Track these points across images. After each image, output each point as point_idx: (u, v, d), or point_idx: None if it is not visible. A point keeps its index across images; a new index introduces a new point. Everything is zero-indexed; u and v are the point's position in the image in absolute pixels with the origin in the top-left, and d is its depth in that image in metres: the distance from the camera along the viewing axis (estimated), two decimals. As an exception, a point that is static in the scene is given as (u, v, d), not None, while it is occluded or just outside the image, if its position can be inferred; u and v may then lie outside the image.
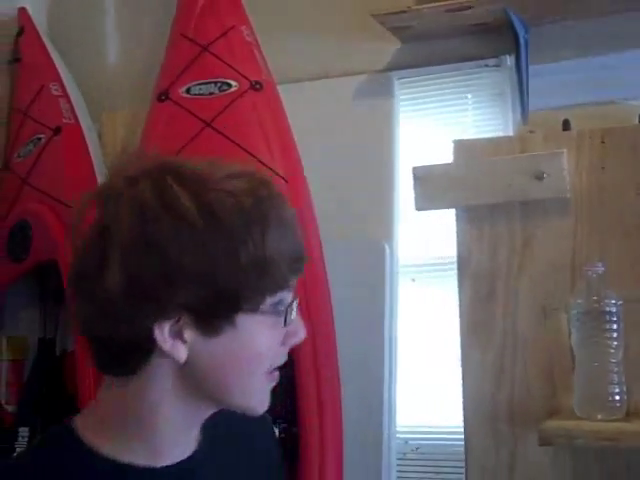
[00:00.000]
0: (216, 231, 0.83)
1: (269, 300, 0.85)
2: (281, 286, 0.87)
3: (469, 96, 2.64)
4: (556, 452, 1.32)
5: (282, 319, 0.88)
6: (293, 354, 2.32)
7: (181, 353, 0.82)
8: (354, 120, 2.62)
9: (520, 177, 1.37)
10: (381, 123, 2.60)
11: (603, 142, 1.36)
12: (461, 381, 1.40)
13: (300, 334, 0.92)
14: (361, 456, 2.29)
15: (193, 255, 0.82)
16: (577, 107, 2.47)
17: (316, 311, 2.35)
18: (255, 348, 0.88)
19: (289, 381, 2.36)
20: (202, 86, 2.52)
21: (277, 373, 0.94)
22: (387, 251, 2.47)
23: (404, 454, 2.55)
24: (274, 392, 2.40)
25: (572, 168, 1.36)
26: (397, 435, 2.47)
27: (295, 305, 0.90)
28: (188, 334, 0.83)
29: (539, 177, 1.35)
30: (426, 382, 2.49)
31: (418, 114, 2.64)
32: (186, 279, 0.82)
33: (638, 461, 1.27)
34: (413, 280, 2.59)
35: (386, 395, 2.38)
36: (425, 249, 2.56)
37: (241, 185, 0.87)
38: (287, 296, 0.88)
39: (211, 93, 2.51)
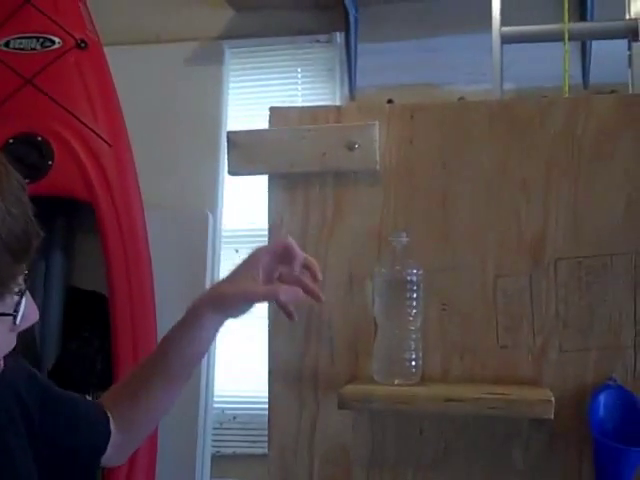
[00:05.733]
0: None
1: None
2: (5, 288, 0.81)
3: (299, 70, 2.67)
4: (356, 418, 1.35)
5: (11, 318, 0.83)
6: (112, 326, 2.28)
7: None
8: (183, 86, 2.59)
9: (333, 147, 1.38)
10: (210, 91, 2.59)
11: (412, 117, 1.40)
12: (268, 348, 1.40)
13: (32, 317, 0.87)
14: (176, 426, 2.28)
15: None
16: (402, 87, 2.55)
17: (136, 282, 2.31)
18: None
19: (105, 353, 2.31)
20: (23, 40, 2.40)
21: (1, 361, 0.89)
22: (210, 219, 2.46)
23: (221, 423, 2.57)
24: (92, 365, 2.30)
25: (383, 141, 1.39)
26: (214, 405, 2.48)
27: (26, 293, 0.85)
28: None
29: (351, 148, 1.37)
30: (244, 353, 2.50)
31: (249, 84, 2.65)
32: None
33: (430, 424, 1.32)
34: (237, 251, 2.60)
35: (204, 365, 2.38)
36: (249, 220, 2.57)
37: None
38: (15, 290, 0.82)
39: (33, 49, 2.40)
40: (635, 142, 1.32)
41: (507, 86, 2.21)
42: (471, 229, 1.36)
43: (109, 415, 1.15)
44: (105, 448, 1.14)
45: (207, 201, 2.49)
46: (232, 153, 1.43)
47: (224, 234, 2.54)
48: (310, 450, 1.36)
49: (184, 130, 2.54)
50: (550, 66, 2.20)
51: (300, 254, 1.22)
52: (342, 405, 1.25)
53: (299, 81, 2.64)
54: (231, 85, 2.61)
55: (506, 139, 1.36)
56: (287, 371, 1.39)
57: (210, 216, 2.44)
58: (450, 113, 1.40)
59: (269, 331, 1.41)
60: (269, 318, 1.41)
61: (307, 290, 1.20)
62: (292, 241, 1.22)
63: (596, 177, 1.32)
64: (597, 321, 1.29)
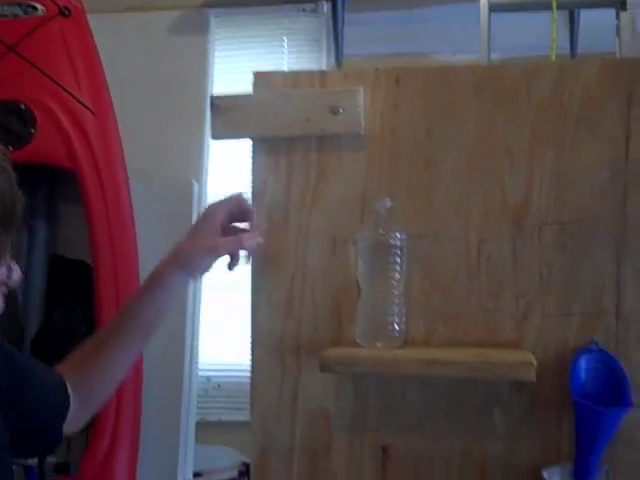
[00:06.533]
0: None
1: None
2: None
3: (285, 39, 2.65)
4: (339, 381, 1.35)
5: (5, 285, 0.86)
6: (95, 295, 2.26)
7: None
8: (167, 55, 2.56)
9: (317, 111, 1.37)
10: (195, 60, 2.56)
11: (397, 82, 1.39)
12: (250, 312, 1.40)
13: (15, 277, 0.89)
14: (161, 394, 2.28)
15: None
16: (389, 57, 2.54)
17: (120, 251, 2.30)
18: None
19: (89, 323, 2.30)
20: (5, 7, 2.37)
21: None
22: (195, 188, 2.44)
23: (206, 391, 2.58)
24: (75, 334, 2.30)
25: (367, 106, 1.38)
26: (199, 373, 2.48)
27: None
28: None
29: (335, 112, 1.36)
30: (229, 321, 2.51)
31: (234, 53, 2.63)
32: None
33: (412, 387, 1.32)
34: (221, 219, 2.58)
35: (188, 333, 2.37)
36: (235, 188, 2.53)
37: None
38: (7, 257, 0.84)
39: (15, 15, 2.37)
40: (621, 108, 1.31)
41: (494, 56, 2.21)
42: (455, 195, 1.36)
43: (66, 381, 1.14)
44: (67, 414, 1.13)
45: (192, 170, 2.48)
46: (216, 117, 1.42)
47: (208, 201, 2.53)
48: (292, 414, 1.36)
49: (169, 99, 2.52)
50: (538, 36, 2.20)
51: (252, 210, 1.27)
52: (324, 368, 1.25)
53: (285, 50, 2.62)
54: (216, 54, 2.59)
55: (491, 105, 1.36)
56: (269, 335, 1.38)
57: (195, 184, 2.43)
58: (435, 78, 1.39)
59: (252, 295, 1.40)
60: (252, 285, 1.41)
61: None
62: (246, 199, 1.27)
63: (581, 143, 1.32)
64: (580, 286, 1.29)
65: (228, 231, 1.25)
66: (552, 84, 1.34)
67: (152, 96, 2.53)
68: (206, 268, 1.21)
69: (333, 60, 2.55)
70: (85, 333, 2.29)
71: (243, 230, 1.27)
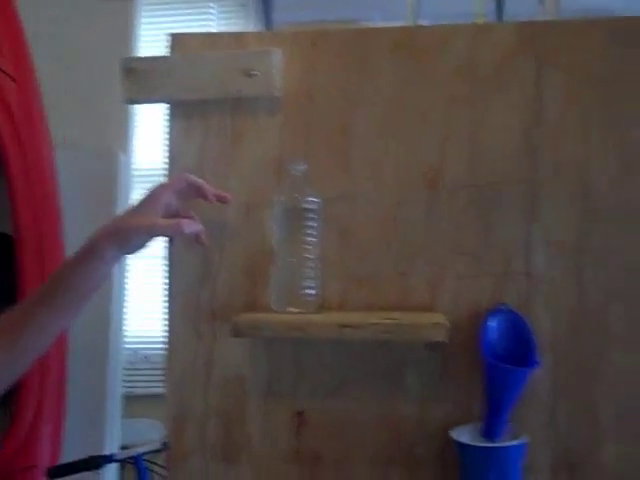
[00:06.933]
0: None
1: None
2: None
3: (213, 5, 2.61)
4: (254, 347, 1.34)
5: None
6: (19, 269, 2.21)
7: None
8: (92, 20, 2.50)
9: (232, 74, 1.35)
10: (120, 27, 2.50)
11: (314, 44, 1.37)
12: (167, 278, 1.37)
13: None
14: (85, 367, 2.25)
15: None
16: (318, 24, 2.51)
17: (44, 225, 2.25)
18: None
19: (12, 297, 2.25)
20: None
21: None
22: (121, 159, 2.40)
23: (133, 363, 2.54)
24: None
25: (284, 68, 1.36)
26: (127, 345, 2.45)
27: None
28: None
29: (249, 75, 1.34)
30: (156, 292, 2.46)
31: (160, 20, 2.58)
32: None
33: (328, 352, 1.32)
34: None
35: (114, 306, 2.34)
36: (159, 158, 2.49)
37: None
38: None
39: None
40: (535, 71, 1.32)
41: (423, 23, 2.20)
42: (371, 158, 1.35)
43: None
44: None
45: (118, 139, 2.43)
46: (127, 81, 1.39)
47: (135, 174, 2.48)
48: (207, 381, 1.35)
49: (94, 67, 2.47)
50: (466, 4, 2.20)
51: (206, 185, 1.29)
52: (236, 333, 1.23)
53: (214, 17, 2.58)
54: (143, 20, 2.53)
55: (407, 67, 1.35)
56: (184, 303, 1.36)
57: (121, 154, 2.38)
58: (352, 40, 1.38)
59: (168, 261, 1.38)
60: (169, 251, 1.38)
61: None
62: (191, 176, 1.28)
63: (495, 106, 1.32)
64: (492, 248, 1.30)
65: (170, 211, 1.24)
66: (468, 46, 1.34)
67: (77, 63, 2.47)
68: (141, 246, 1.19)
69: (263, 27, 2.52)
70: (8, 305, 2.24)
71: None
